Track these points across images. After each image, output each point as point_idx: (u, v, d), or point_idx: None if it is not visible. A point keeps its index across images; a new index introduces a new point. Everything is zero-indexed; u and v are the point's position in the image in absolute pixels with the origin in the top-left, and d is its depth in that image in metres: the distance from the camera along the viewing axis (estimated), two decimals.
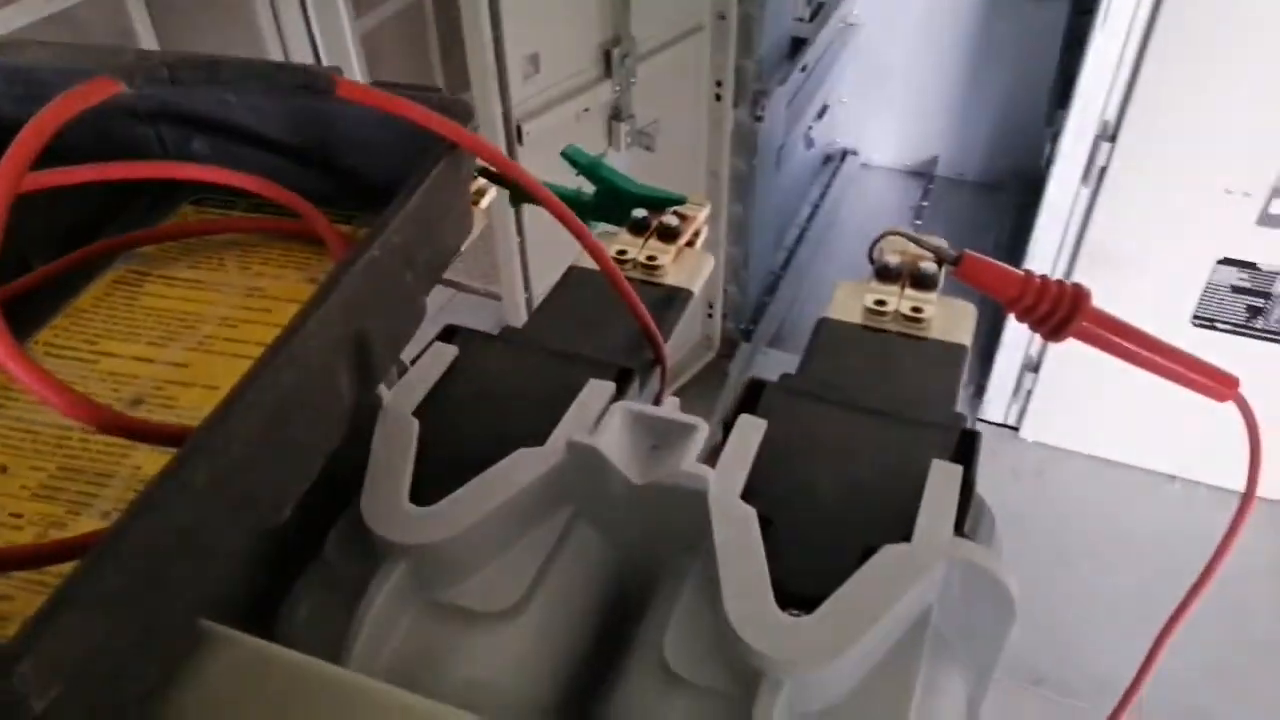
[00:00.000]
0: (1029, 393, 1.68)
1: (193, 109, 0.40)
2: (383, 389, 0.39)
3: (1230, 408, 0.38)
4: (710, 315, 1.76)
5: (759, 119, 1.54)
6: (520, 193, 0.57)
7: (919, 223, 2.30)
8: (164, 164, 0.35)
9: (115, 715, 0.21)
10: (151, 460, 0.27)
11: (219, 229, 0.36)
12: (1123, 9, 1.29)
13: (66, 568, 0.22)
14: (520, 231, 1.35)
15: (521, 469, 0.35)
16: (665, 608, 0.35)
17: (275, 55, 1.60)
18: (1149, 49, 1.30)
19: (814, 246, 2.21)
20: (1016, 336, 1.64)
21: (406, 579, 0.34)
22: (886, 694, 0.31)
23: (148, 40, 1.41)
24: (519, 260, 1.36)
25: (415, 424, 0.37)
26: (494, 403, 0.39)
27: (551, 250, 1.36)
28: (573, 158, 0.54)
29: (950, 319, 0.47)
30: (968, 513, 0.35)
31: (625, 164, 1.41)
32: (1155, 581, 1.43)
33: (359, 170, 0.40)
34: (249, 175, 0.36)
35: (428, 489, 0.35)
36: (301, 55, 1.62)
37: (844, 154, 2.50)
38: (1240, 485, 0.37)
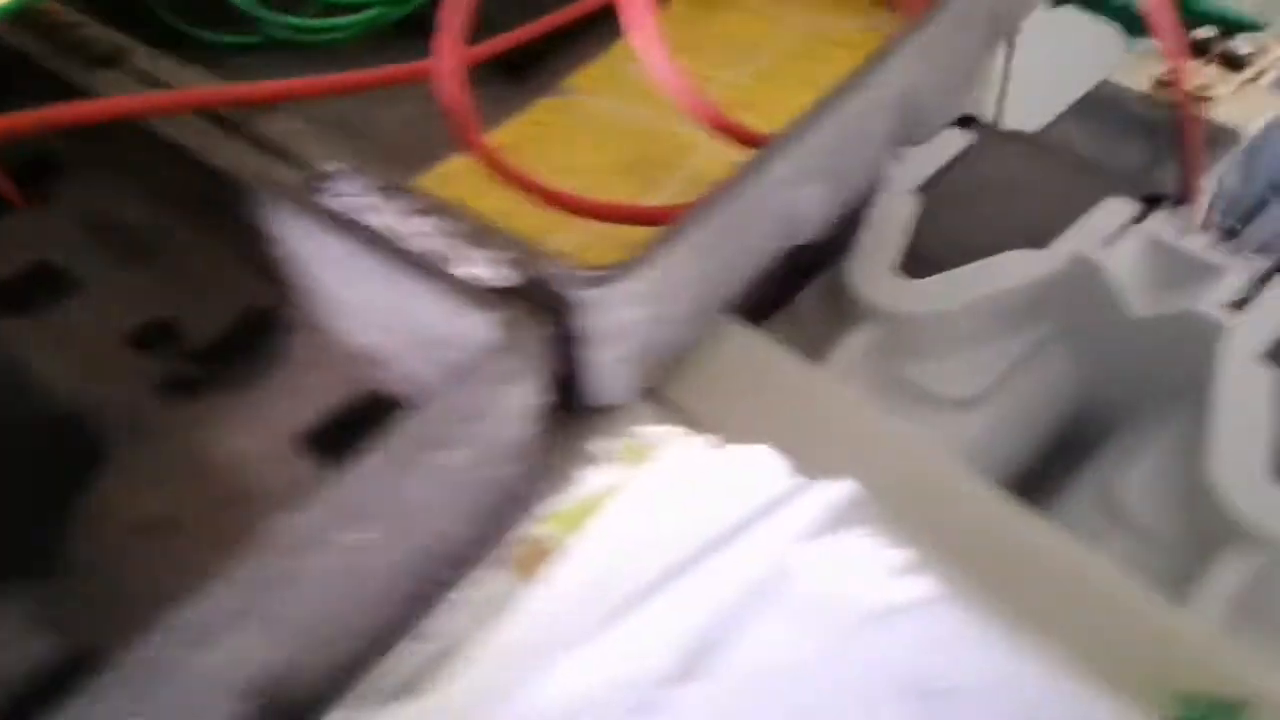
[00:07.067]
0: None
1: None
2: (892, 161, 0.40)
3: None
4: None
5: None
6: None
7: None
8: None
9: (666, 352, 0.25)
10: (709, 164, 0.31)
11: None
12: None
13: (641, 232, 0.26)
14: None
15: (1015, 269, 0.35)
16: (1125, 449, 0.34)
17: None
18: None
19: None
20: None
21: (875, 343, 0.36)
22: None
23: None
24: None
25: (915, 200, 0.38)
26: (999, 199, 0.39)
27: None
28: None
29: None
30: None
31: None
32: None
33: None
34: None
35: (913, 266, 0.36)
36: None
37: None
38: None
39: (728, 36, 0.35)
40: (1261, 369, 0.31)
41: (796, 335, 0.40)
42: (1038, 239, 0.36)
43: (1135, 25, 0.50)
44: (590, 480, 0.21)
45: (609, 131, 0.32)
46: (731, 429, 0.26)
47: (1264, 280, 0.33)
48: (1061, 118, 0.46)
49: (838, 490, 0.20)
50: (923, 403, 0.36)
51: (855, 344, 0.36)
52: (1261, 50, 0.46)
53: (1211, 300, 0.32)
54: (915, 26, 0.26)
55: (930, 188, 0.39)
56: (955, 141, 0.40)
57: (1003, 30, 0.32)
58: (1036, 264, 0.35)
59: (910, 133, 0.30)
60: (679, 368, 0.27)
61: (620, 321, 0.21)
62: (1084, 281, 0.34)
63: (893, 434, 0.26)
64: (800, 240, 0.28)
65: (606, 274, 0.21)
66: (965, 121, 0.41)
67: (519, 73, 0.35)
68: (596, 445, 0.22)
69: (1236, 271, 0.33)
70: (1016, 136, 0.41)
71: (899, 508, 0.24)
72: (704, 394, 0.26)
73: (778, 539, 0.19)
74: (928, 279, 0.35)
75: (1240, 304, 0.33)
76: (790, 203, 0.26)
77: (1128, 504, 0.32)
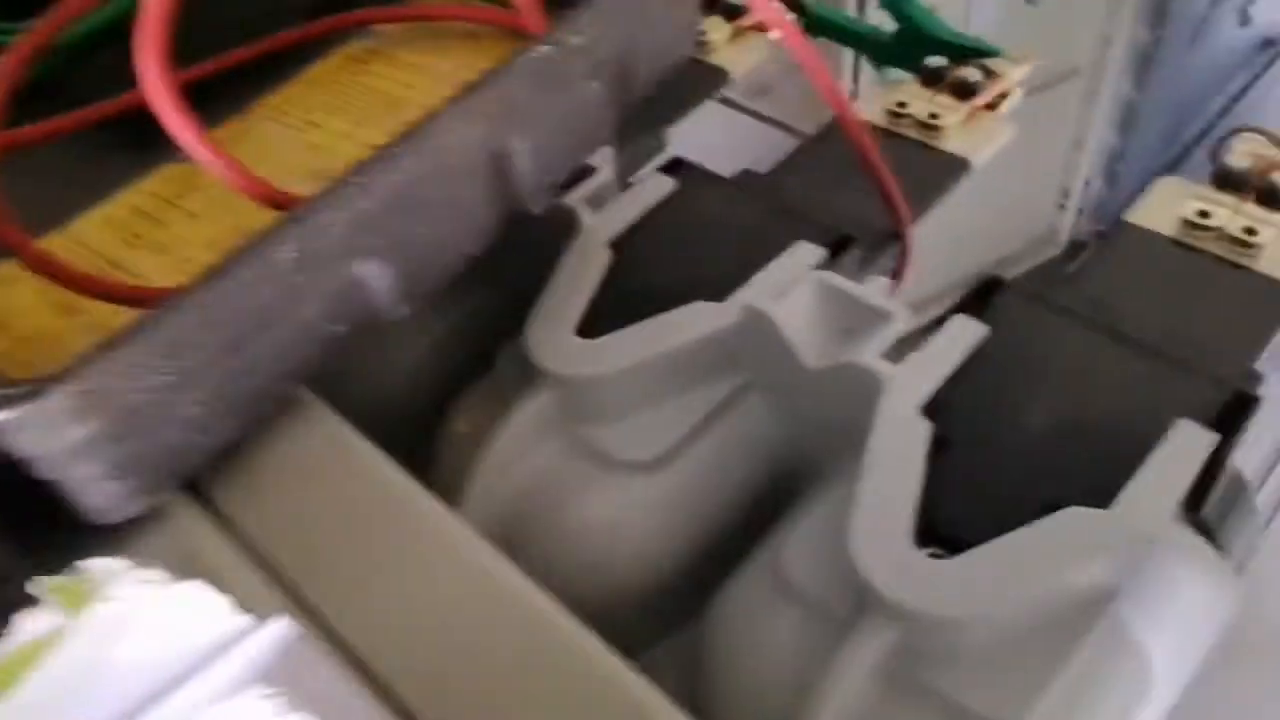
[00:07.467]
0: None
1: None
2: (586, 211, 0.38)
3: None
4: (1062, 206, 1.58)
5: None
6: (817, 22, 0.52)
7: None
8: None
9: (179, 459, 0.22)
10: None
11: (451, 16, 0.36)
12: None
13: None
14: None
15: (691, 323, 0.33)
16: (798, 511, 0.32)
17: None
18: None
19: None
20: None
21: (553, 407, 0.34)
22: (1021, 675, 0.27)
23: None
24: None
25: (606, 254, 0.36)
26: (695, 247, 0.37)
27: None
28: None
29: None
30: (1208, 495, 0.29)
31: (997, 16, 1.26)
32: None
33: None
34: None
35: (601, 323, 0.34)
36: None
37: None
38: None
39: (376, 91, 0.33)
40: (916, 424, 0.29)
41: (496, 397, 0.38)
42: (723, 290, 0.34)
43: (882, 55, 0.50)
44: (25, 628, 0.18)
45: (217, 201, 0.30)
46: (273, 535, 0.23)
47: (930, 327, 0.32)
48: (792, 157, 0.45)
49: (268, 636, 0.17)
50: (606, 468, 0.34)
51: (532, 408, 0.34)
52: (992, 77, 0.45)
53: (873, 350, 0.31)
54: (470, 88, 0.24)
55: (626, 239, 0.37)
56: (659, 189, 0.38)
57: (637, 85, 0.30)
58: (711, 318, 0.33)
59: (525, 196, 0.28)
60: (232, 465, 0.24)
61: (64, 440, 0.19)
62: (759, 334, 0.33)
63: (452, 549, 0.24)
64: (384, 318, 0.25)
65: (19, 392, 0.18)
66: (672, 167, 0.40)
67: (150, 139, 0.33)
68: (38, 584, 0.19)
69: (903, 318, 0.31)
70: (721, 180, 0.39)
71: (433, 634, 0.21)
72: (250, 497, 0.24)
73: (191, 703, 0.17)
74: (600, 339, 0.33)
75: (902, 353, 0.31)
76: (348, 278, 0.23)
77: (791, 572, 0.30)
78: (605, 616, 0.35)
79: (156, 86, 0.23)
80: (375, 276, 0.24)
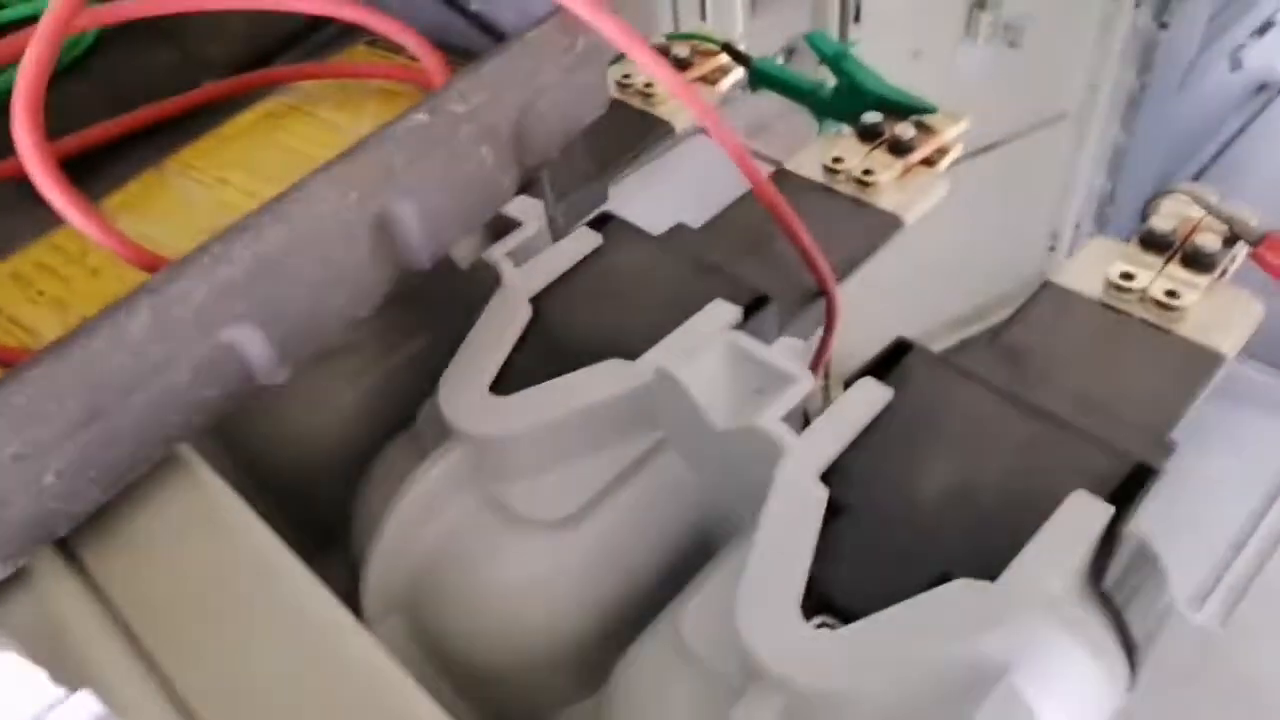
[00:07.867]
0: None
1: None
2: (508, 266, 0.38)
3: None
4: (1052, 249, 1.58)
5: (1164, 25, 1.31)
6: (760, 76, 0.52)
7: None
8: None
9: (40, 527, 0.22)
10: None
11: (363, 75, 0.36)
12: None
13: None
14: None
15: (604, 382, 0.33)
16: (701, 576, 0.32)
17: None
18: None
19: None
20: None
21: (464, 463, 0.34)
22: None
23: None
24: None
25: (527, 310, 0.36)
26: (616, 304, 0.37)
27: None
28: (817, 44, 0.49)
29: (1217, 316, 0.37)
30: (1106, 567, 0.28)
31: (981, 62, 1.27)
32: None
33: None
34: (410, 28, 0.35)
35: (519, 379, 0.34)
36: None
37: None
38: None
39: (289, 149, 0.33)
40: (812, 490, 0.29)
41: (415, 452, 0.38)
42: (641, 348, 0.34)
43: (824, 109, 0.50)
44: None
45: (111, 261, 0.30)
46: (137, 603, 0.23)
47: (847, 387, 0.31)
48: (725, 213, 0.45)
49: (70, 712, 0.17)
50: (517, 527, 0.34)
51: (443, 465, 0.34)
52: (929, 134, 0.46)
53: (777, 412, 0.31)
54: (343, 154, 0.24)
55: (547, 295, 0.37)
56: (584, 244, 0.38)
57: (538, 149, 0.30)
58: (623, 377, 0.33)
59: (414, 259, 0.28)
60: (104, 527, 0.24)
61: None
62: (669, 394, 0.33)
63: (317, 627, 0.23)
64: (262, 382, 0.25)
65: None
66: (600, 221, 0.40)
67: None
68: None
69: (802, 381, 0.31)
70: (646, 236, 0.39)
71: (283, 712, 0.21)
72: (119, 561, 0.24)
73: None
74: (512, 396, 0.33)
75: (805, 417, 0.31)
76: (218, 344, 0.23)
77: (688, 636, 0.29)
78: (515, 678, 0.35)
79: (31, 155, 0.23)
80: (248, 342, 0.24)
